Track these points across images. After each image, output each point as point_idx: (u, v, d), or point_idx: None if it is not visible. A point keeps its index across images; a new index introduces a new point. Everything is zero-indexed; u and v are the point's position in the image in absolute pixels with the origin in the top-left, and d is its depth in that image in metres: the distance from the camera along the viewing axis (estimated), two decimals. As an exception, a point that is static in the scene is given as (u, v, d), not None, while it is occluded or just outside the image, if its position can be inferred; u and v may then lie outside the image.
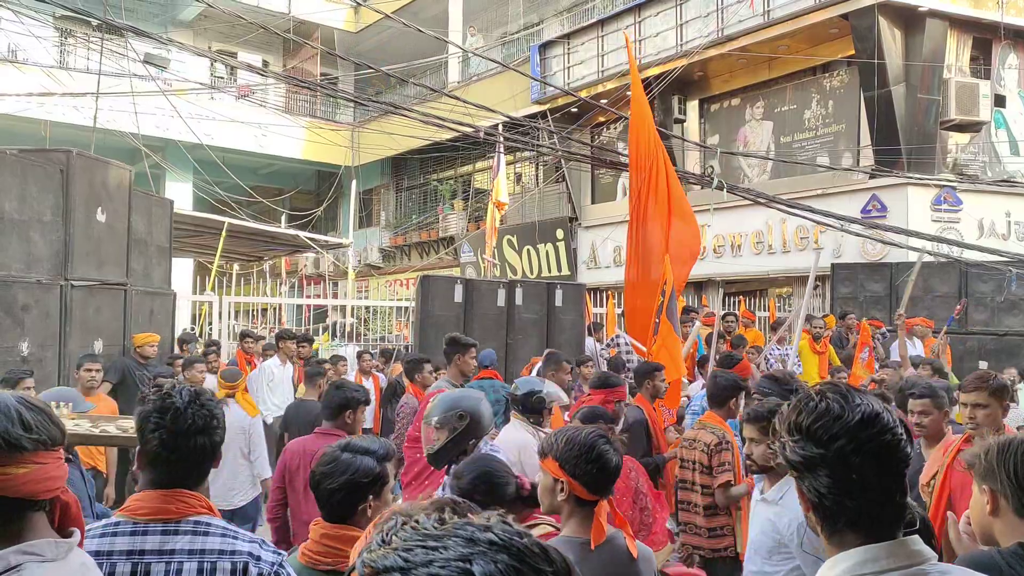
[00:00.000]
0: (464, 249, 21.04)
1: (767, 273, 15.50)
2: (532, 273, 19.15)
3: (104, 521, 2.07)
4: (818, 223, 11.74)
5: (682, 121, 16.78)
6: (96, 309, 7.79)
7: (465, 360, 6.19)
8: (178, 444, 2.02)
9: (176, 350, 9.25)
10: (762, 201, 9.99)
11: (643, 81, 8.11)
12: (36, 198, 7.13)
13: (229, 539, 2.00)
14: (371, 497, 2.24)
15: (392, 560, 0.77)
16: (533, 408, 4.47)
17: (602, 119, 17.82)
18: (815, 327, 9.55)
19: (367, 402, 4.51)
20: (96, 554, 1.93)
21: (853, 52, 13.73)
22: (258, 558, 1.99)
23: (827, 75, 15.29)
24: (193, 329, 12.44)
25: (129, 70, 9.37)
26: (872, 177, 13.74)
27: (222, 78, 21.86)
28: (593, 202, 19.12)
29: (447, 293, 9.53)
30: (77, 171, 7.46)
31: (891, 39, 13.20)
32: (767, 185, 14.68)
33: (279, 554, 2.04)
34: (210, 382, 7.75)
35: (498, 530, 0.80)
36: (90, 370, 6.41)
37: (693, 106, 17.09)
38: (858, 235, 12.45)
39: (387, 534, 0.82)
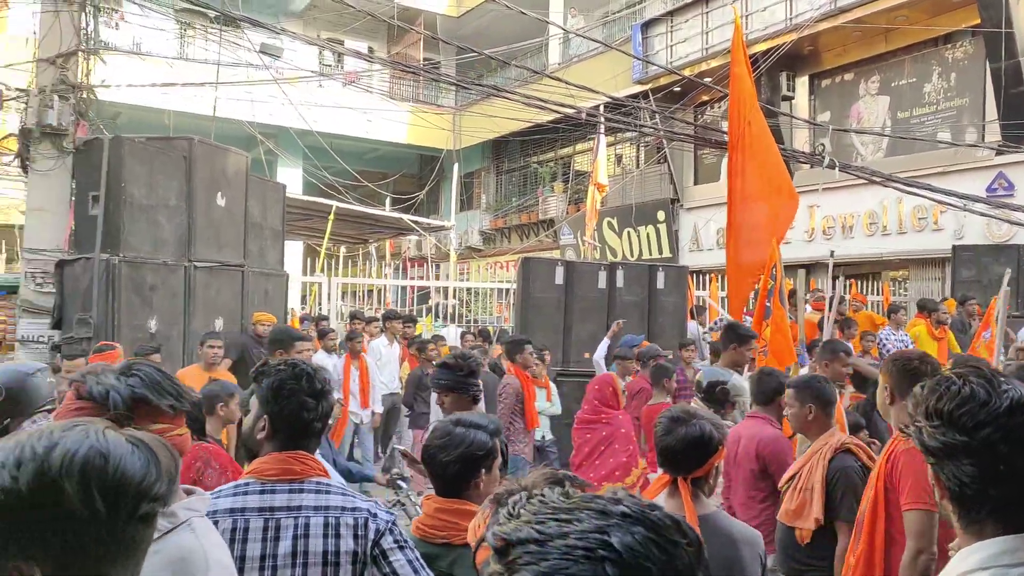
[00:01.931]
0: (564, 231, 21.01)
1: (881, 255, 14.84)
2: (632, 255, 18.96)
3: (234, 483, 2.21)
4: (939, 202, 11.15)
5: (790, 98, 16.20)
6: (216, 289, 8.20)
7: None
8: (308, 407, 2.17)
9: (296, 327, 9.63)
10: (878, 180, 9.56)
11: (750, 57, 7.87)
12: (162, 184, 7.56)
13: (349, 497, 2.15)
14: (483, 471, 2.29)
15: (526, 532, 0.78)
16: (717, 399, 4.57)
17: (706, 98, 17.41)
18: (937, 312, 9.10)
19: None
20: (230, 511, 2.10)
21: (978, 21, 12.90)
22: (375, 515, 2.13)
23: (949, 46, 14.44)
24: (304, 308, 12.93)
25: (245, 60, 9.75)
26: (999, 153, 12.92)
27: (329, 66, 22.49)
28: (696, 183, 18.74)
29: (548, 275, 9.57)
30: (199, 158, 7.86)
31: (1020, 6, 12.33)
32: (882, 163, 14.02)
33: (391, 513, 2.18)
34: (319, 359, 8.06)
35: (629, 503, 0.80)
36: (213, 347, 6.76)
37: (803, 82, 16.47)
38: (983, 215, 11.76)
39: (514, 508, 0.83)
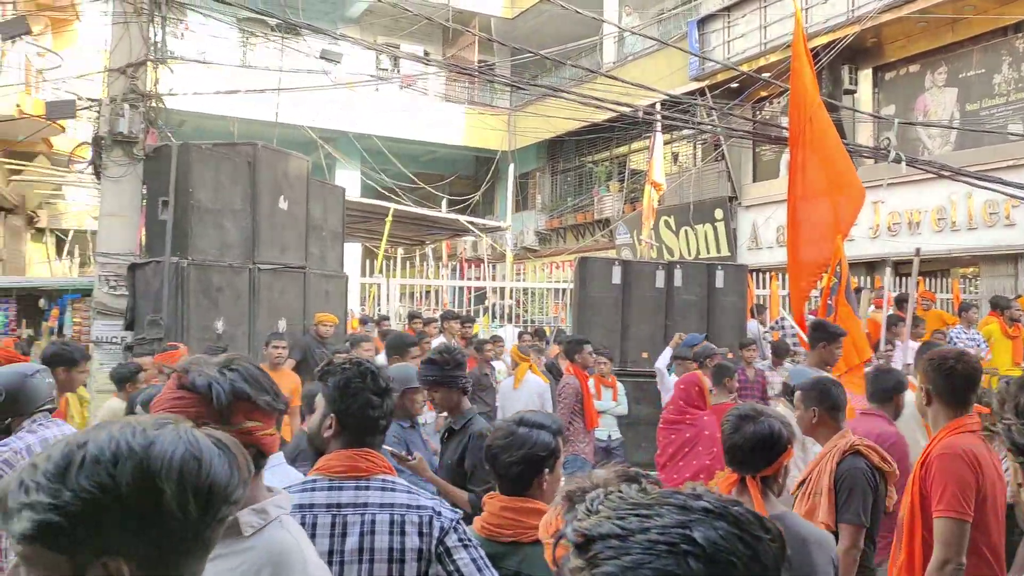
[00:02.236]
0: (620, 231, 20.89)
1: (950, 252, 14.39)
2: (690, 254, 18.75)
3: (302, 480, 2.26)
4: (1011, 196, 10.76)
5: (853, 92, 15.81)
6: (280, 291, 8.39)
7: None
8: (373, 405, 2.21)
9: (351, 329, 9.80)
10: (946, 174, 9.28)
11: (811, 51, 7.70)
12: (227, 188, 7.76)
13: (414, 495, 2.17)
14: (546, 471, 2.30)
15: (607, 527, 0.78)
16: None
17: (764, 93, 17.11)
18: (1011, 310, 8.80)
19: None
20: (299, 507, 2.13)
21: (1053, 7, 12.41)
22: (439, 513, 2.14)
23: (1020, 35, 13.92)
24: (363, 310, 13.12)
25: (305, 66, 9.95)
26: (1075, 145, 12.42)
27: (385, 70, 22.77)
28: (755, 180, 18.44)
29: (605, 274, 9.54)
30: (262, 162, 8.05)
31: (1099, -10, 11.83)
32: (951, 157, 13.59)
33: (456, 511, 2.19)
34: (381, 361, 8.16)
35: (710, 498, 0.80)
36: (278, 347, 6.92)
37: (865, 75, 16.07)
38: (1058, 209, 11.31)
39: (593, 503, 0.84)
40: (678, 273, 9.77)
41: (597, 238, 22.08)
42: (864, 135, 15.85)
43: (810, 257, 6.44)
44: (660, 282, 9.68)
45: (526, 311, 15.97)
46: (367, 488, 2.15)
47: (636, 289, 9.57)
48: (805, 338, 6.28)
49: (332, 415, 2.23)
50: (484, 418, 8.23)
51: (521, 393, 7.31)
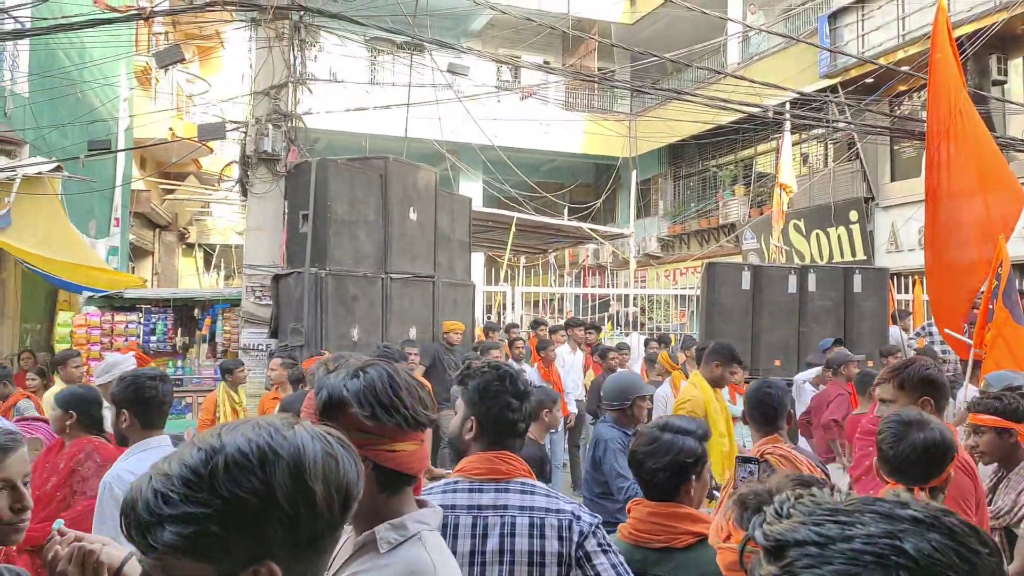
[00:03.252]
0: (747, 236, 20.32)
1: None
2: (822, 258, 18.00)
3: (444, 480, 2.31)
4: None
5: (1002, 83, 14.79)
6: (410, 299, 8.66)
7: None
8: (514, 407, 2.22)
9: (478, 337, 9.99)
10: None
11: (955, 41, 7.25)
12: (361, 201, 8.09)
13: (553, 499, 2.16)
14: (692, 478, 2.27)
15: (804, 534, 0.73)
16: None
17: (903, 88, 16.26)
18: None
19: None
20: (440, 508, 2.17)
21: None
22: (579, 517, 2.12)
23: None
24: (490, 318, 13.34)
25: (433, 80, 10.24)
26: None
27: (507, 81, 23.11)
28: (893, 179, 17.52)
29: (734, 280, 9.31)
30: (393, 175, 8.35)
31: None
32: (1117, 148, 12.47)
33: (595, 516, 2.18)
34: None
35: (917, 507, 0.74)
36: (410, 354, 7.14)
37: (1016, 65, 14.99)
38: None
39: (782, 507, 0.78)
40: (811, 278, 9.43)
41: (722, 243, 21.56)
42: (1016, 127, 14.79)
43: (966, 259, 6.05)
44: (792, 287, 9.37)
45: (650, 318, 15.78)
46: (507, 491, 2.17)
47: (767, 294, 9.29)
48: (961, 340, 5.91)
49: (472, 418, 2.26)
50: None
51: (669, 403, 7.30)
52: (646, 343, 10.47)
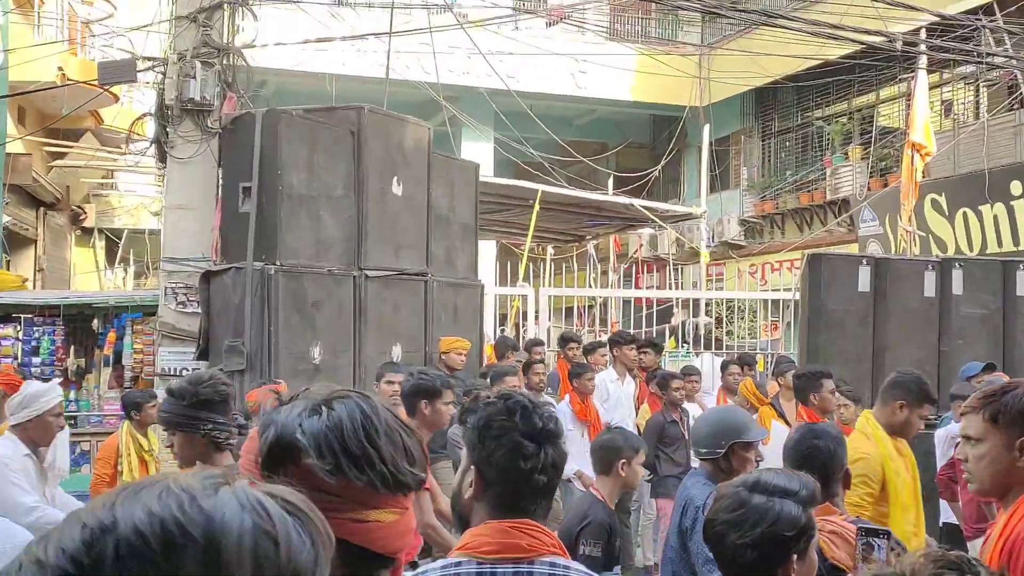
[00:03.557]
0: (865, 216, 20.22)
1: None
2: (971, 248, 17.88)
3: (443, 562, 2.30)
4: None
5: None
6: (393, 305, 8.66)
7: None
8: (527, 451, 2.19)
9: (488, 359, 9.99)
10: None
11: None
12: (326, 168, 8.10)
13: None
14: (793, 557, 2.25)
15: None
16: None
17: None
18: None
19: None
20: None
21: None
22: None
23: None
24: (504, 331, 13.35)
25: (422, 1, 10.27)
26: None
27: (527, 1, 23.16)
28: (1072, 137, 17.39)
29: (847, 278, 9.26)
30: (370, 132, 8.35)
31: None
32: None
33: None
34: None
35: None
36: (392, 382, 7.09)
37: None
38: None
39: None
40: (957, 275, 9.37)
41: (831, 227, 21.46)
42: None
43: None
44: (930, 288, 9.32)
45: (729, 332, 15.73)
46: (530, 574, 2.15)
47: (894, 299, 9.24)
48: None
49: (473, 468, 2.26)
50: (671, 484, 8.27)
51: (769, 449, 7.35)
52: (723, 366, 10.42)
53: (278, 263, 7.66)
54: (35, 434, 5.35)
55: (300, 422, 1.56)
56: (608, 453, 4.76)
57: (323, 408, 1.58)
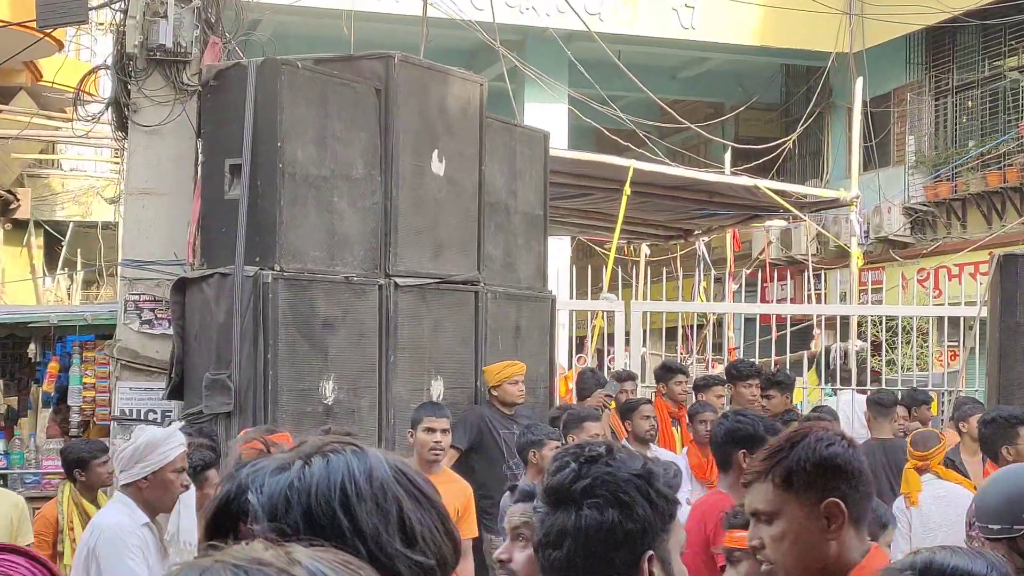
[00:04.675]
0: (1080, 204, 19.94)
1: None
2: None
3: None
4: None
5: None
6: (433, 326, 8.65)
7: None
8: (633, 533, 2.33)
9: (562, 398, 9.91)
10: None
11: None
12: (341, 138, 8.10)
13: None
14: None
15: None
16: None
17: None
18: None
19: None
20: None
21: None
22: None
23: None
24: (583, 360, 13.29)
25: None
26: None
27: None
28: None
29: (1057, 288, 9.13)
30: (402, 90, 8.35)
31: None
32: None
33: None
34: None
35: None
36: (433, 430, 7.09)
37: None
38: None
39: None
40: None
41: (1031, 218, 21.19)
42: None
43: None
44: None
45: (889, 362, 15.53)
46: None
47: None
48: None
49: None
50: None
51: (928, 516, 7.60)
52: (872, 404, 10.28)
53: (277, 268, 7.66)
54: (152, 495, 5.29)
55: (263, 480, 1.58)
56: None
57: (297, 463, 1.60)
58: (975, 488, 8.34)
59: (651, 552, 2.29)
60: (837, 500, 2.99)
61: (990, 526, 4.24)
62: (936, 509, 7.93)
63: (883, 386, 13.73)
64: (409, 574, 1.57)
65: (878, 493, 9.14)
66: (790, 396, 10.67)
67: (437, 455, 7.14)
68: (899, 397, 10.75)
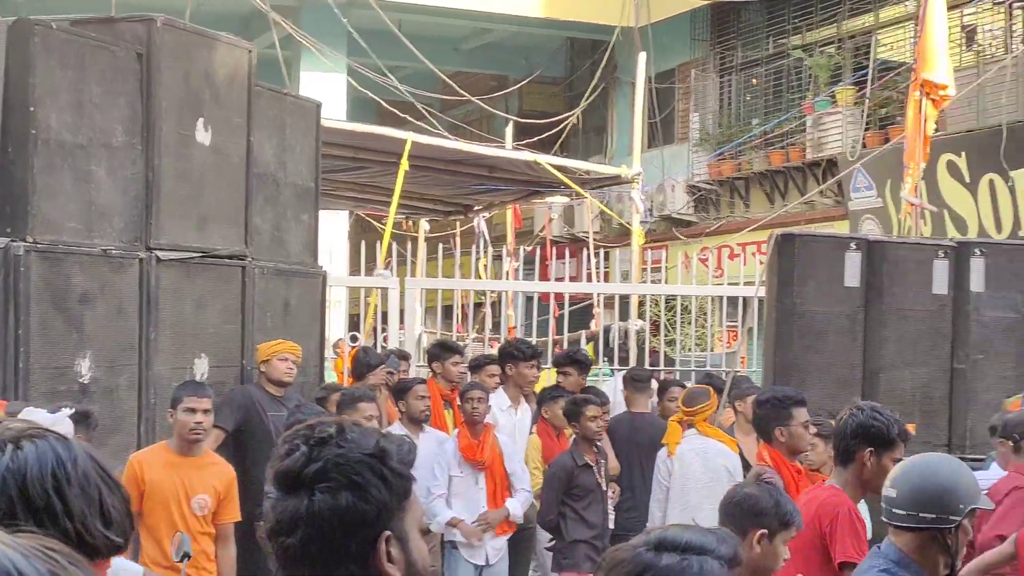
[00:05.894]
0: (857, 184, 20.69)
1: None
2: (1000, 230, 18.44)
3: None
4: None
5: None
6: (197, 302, 8.59)
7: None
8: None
9: (331, 375, 9.94)
10: None
11: None
12: (99, 104, 7.98)
13: None
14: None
15: None
16: None
17: None
18: None
19: None
20: None
21: None
22: None
23: None
24: (357, 338, 13.31)
25: None
26: None
27: None
28: None
29: (830, 268, 9.47)
30: (165, 55, 8.25)
31: None
32: None
33: None
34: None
35: None
36: (194, 410, 7.06)
37: None
38: None
39: None
40: (977, 265, 9.64)
41: (811, 198, 21.89)
42: None
43: None
44: (941, 283, 9.56)
45: (670, 343, 15.90)
46: None
47: (891, 296, 9.47)
48: None
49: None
50: (586, 550, 8.39)
51: (688, 467, 8.12)
52: (662, 388, 10.57)
53: (30, 239, 7.52)
54: None
55: None
56: (745, 516, 4.56)
57: (7, 447, 1.71)
58: (737, 445, 8.77)
59: (388, 532, 2.35)
60: None
61: (921, 515, 4.15)
62: (696, 462, 8.49)
63: (664, 366, 14.10)
64: (106, 552, 1.75)
65: (624, 462, 9.59)
66: (584, 377, 10.81)
67: (198, 436, 7.11)
68: (654, 374, 11.13)
